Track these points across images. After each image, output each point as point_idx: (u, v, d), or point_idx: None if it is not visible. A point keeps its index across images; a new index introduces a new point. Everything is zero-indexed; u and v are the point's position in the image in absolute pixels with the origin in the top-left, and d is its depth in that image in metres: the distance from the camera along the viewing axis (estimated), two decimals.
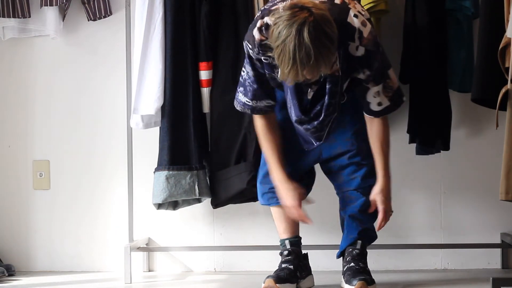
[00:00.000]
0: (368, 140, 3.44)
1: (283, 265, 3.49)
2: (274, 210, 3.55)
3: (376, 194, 3.41)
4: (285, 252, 3.52)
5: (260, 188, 3.54)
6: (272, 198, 3.49)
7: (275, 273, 3.44)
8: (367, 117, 3.39)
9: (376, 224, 3.43)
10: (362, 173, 3.46)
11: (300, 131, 3.34)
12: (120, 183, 4.07)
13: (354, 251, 3.48)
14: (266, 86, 3.35)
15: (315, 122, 3.26)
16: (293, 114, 3.28)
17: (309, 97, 3.25)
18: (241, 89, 3.38)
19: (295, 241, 3.54)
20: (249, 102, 3.37)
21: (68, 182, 4.17)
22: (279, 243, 3.56)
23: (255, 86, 3.34)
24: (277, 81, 3.29)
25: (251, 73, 3.33)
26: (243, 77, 3.36)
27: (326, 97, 3.22)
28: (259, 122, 3.41)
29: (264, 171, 3.49)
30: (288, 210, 3.37)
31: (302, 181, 3.48)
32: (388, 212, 3.42)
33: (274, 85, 3.34)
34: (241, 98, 3.38)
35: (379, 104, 3.34)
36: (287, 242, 3.53)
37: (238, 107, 3.42)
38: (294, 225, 3.54)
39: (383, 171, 3.40)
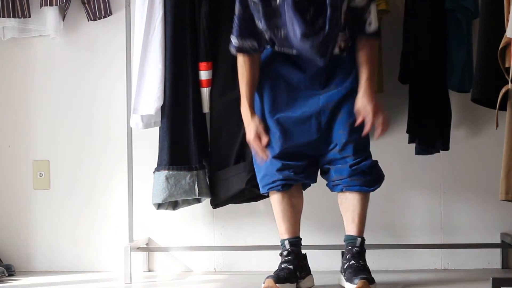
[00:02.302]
0: (360, 133, 3.46)
1: (283, 265, 3.49)
2: (276, 210, 3.55)
3: (360, 98, 3.41)
4: (285, 253, 3.53)
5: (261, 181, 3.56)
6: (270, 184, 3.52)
7: (275, 273, 3.45)
8: (360, 43, 3.43)
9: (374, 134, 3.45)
10: (352, 160, 3.47)
11: (305, 50, 3.36)
12: (120, 183, 4.07)
13: (354, 249, 3.49)
14: (252, 25, 3.42)
15: (321, 35, 3.31)
16: (298, 31, 3.31)
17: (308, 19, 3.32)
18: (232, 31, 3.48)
19: (295, 241, 3.54)
20: (234, 40, 3.45)
21: (68, 182, 4.17)
22: (279, 243, 3.57)
23: (243, 23, 3.42)
24: (273, 9, 3.34)
25: (240, 12, 3.41)
26: (234, 19, 3.45)
27: (328, 10, 3.29)
28: (240, 59, 3.49)
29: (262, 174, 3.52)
30: (250, 142, 3.49)
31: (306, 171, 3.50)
32: (378, 118, 3.39)
33: (269, 16, 3.39)
34: (231, 39, 3.46)
35: (370, 24, 3.42)
36: (286, 242, 3.53)
37: (231, 49, 3.49)
38: (295, 226, 3.55)
39: (368, 78, 3.41)
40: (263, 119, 3.49)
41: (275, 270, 3.48)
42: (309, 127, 3.47)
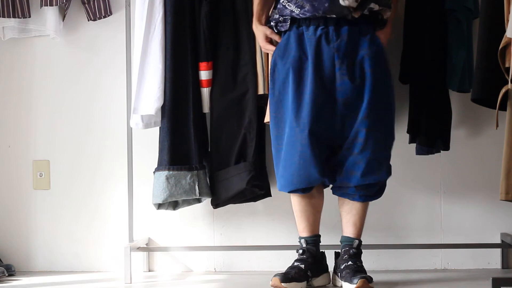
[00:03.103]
0: (378, 134, 3.45)
1: (295, 263, 3.53)
2: (295, 209, 3.58)
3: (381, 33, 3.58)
4: (300, 251, 3.57)
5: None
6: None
7: (285, 271, 3.48)
8: None
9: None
10: (362, 168, 3.46)
11: None
12: (120, 183, 4.07)
13: (351, 250, 3.50)
14: None
15: None
16: None
17: None
18: None
19: (312, 240, 3.57)
20: None
21: (68, 182, 4.17)
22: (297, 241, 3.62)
23: None
24: None
25: None
26: None
27: None
28: None
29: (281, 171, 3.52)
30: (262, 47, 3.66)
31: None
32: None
33: None
34: None
35: None
36: (303, 241, 3.57)
37: None
38: (314, 224, 3.58)
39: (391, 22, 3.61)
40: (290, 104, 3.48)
41: (276, 269, 3.50)
42: (329, 114, 3.46)
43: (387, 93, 3.53)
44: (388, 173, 3.53)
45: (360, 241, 3.55)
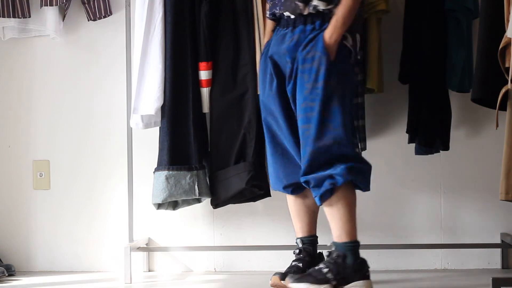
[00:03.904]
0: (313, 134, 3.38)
1: (293, 263, 3.55)
2: (291, 209, 3.58)
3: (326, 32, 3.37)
4: (297, 251, 3.58)
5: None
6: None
7: (285, 271, 3.49)
8: None
9: None
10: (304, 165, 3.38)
11: None
12: (120, 182, 4.07)
13: (334, 254, 3.42)
14: None
15: None
16: None
17: None
18: None
19: (308, 240, 3.58)
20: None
21: (68, 182, 4.17)
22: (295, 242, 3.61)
23: None
24: None
25: None
26: None
27: None
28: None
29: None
30: None
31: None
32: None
33: None
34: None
35: None
36: (299, 241, 3.58)
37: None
38: (309, 225, 3.58)
39: (335, 15, 3.37)
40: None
41: (277, 268, 3.52)
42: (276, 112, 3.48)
43: (325, 93, 3.34)
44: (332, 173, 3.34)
45: (341, 244, 3.37)
